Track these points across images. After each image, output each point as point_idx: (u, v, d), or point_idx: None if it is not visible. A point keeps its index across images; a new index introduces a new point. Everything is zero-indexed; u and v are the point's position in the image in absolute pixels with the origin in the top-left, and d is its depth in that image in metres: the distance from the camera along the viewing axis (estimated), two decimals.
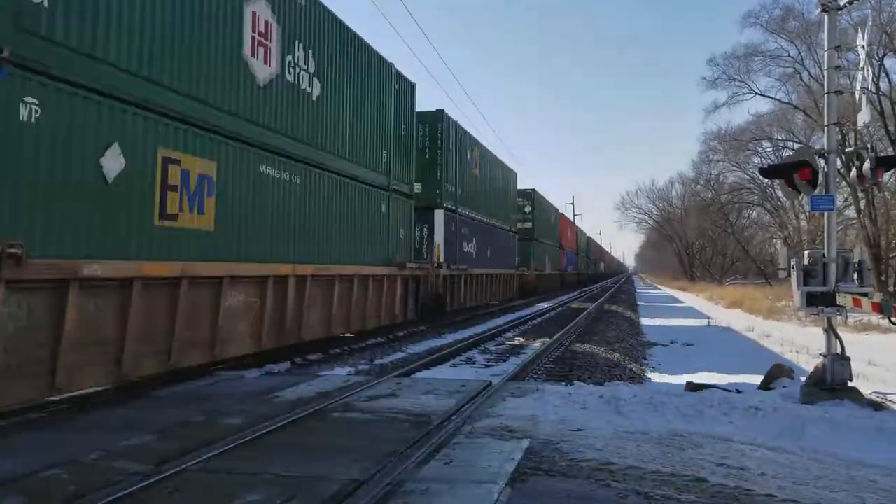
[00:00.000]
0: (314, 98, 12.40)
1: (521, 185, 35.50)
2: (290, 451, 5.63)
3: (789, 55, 40.74)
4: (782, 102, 43.95)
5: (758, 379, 10.41)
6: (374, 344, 14.95)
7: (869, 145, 9.49)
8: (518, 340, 17.27)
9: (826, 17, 9.33)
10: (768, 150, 49.05)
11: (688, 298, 48.97)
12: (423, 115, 20.18)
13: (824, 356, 8.89)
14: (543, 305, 32.08)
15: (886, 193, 31.58)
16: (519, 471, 5.09)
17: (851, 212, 37.65)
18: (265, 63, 10.70)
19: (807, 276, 8.98)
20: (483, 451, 5.66)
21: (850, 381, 8.78)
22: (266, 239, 10.74)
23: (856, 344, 13.02)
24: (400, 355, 13.47)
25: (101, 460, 5.24)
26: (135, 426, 6.32)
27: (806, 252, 9.24)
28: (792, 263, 9.12)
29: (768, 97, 44.43)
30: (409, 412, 7.14)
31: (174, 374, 8.69)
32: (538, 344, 15.77)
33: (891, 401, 8.58)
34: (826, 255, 8.98)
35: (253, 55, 10.39)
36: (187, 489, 4.62)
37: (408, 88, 17.60)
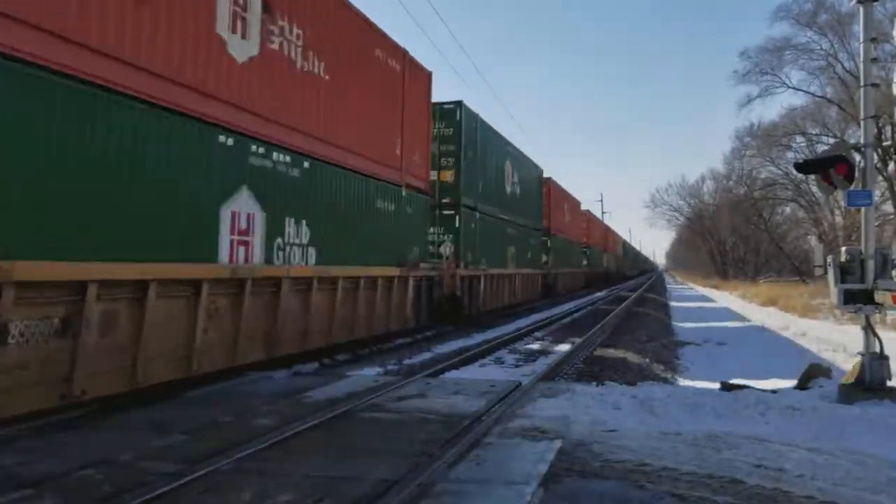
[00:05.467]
0: (518, 193, 26.00)
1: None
2: (320, 451, 5.63)
3: (822, 48, 40.12)
4: (815, 96, 43.28)
5: (794, 378, 10.22)
6: (403, 344, 14.96)
7: None
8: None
9: (861, 9, 9.13)
10: (802, 144, 48.26)
11: (720, 297, 48.37)
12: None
13: (862, 355, 8.70)
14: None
15: None
16: (552, 472, 5.03)
17: (888, 207, 36.91)
18: (510, 185, 24.62)
19: (844, 273, 8.78)
20: (515, 452, 5.60)
21: (889, 380, 8.58)
22: None
23: (895, 342, 12.70)
24: (428, 355, 13.44)
25: (134, 461, 5.28)
26: (165, 427, 6.36)
27: (843, 248, 9.04)
28: (828, 260, 8.93)
29: (801, 91, 43.77)
30: (440, 412, 7.10)
31: (203, 375, 8.73)
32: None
33: None
34: (863, 251, 8.78)
35: (507, 183, 24.24)
36: (218, 489, 4.64)
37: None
